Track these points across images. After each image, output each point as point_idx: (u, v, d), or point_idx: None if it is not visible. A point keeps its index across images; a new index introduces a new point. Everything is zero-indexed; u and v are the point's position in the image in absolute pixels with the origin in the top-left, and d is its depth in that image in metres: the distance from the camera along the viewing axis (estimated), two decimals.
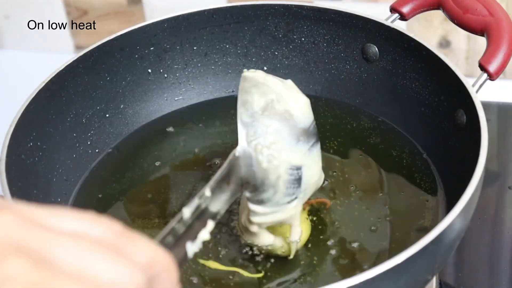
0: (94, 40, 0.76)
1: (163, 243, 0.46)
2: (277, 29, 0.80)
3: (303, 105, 0.60)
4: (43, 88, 0.70)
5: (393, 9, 0.76)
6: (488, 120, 0.76)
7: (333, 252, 0.64)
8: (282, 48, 0.81)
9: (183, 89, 0.82)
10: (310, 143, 0.60)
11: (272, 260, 0.64)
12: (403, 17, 0.75)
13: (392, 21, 0.75)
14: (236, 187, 0.56)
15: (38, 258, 0.32)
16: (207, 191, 0.53)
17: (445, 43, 1.02)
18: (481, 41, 0.71)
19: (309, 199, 0.63)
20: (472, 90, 0.66)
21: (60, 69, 0.73)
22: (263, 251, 0.64)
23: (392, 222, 0.67)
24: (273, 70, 0.81)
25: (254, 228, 0.61)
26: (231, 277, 0.63)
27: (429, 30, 1.01)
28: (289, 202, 0.60)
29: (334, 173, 0.72)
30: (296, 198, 0.60)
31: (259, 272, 0.63)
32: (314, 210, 0.68)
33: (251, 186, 0.58)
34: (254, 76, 0.60)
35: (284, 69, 0.81)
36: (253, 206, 0.59)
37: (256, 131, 0.58)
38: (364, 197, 0.70)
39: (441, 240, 0.54)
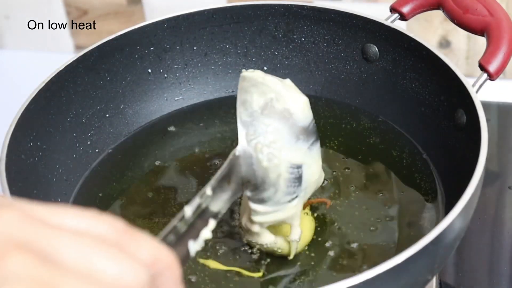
0: (94, 40, 0.76)
1: (165, 241, 0.46)
2: (277, 29, 0.80)
3: (302, 103, 0.60)
4: (43, 88, 0.70)
5: (393, 9, 0.76)
6: (488, 120, 0.76)
7: (332, 252, 0.64)
8: (282, 48, 0.81)
9: (183, 89, 0.82)
10: (309, 141, 0.60)
11: (272, 260, 0.63)
12: (403, 17, 0.75)
13: (392, 21, 0.75)
14: (237, 186, 0.56)
15: (41, 255, 0.32)
16: (208, 190, 0.53)
17: (445, 43, 1.02)
18: (481, 41, 0.71)
19: (309, 198, 0.64)
20: (472, 90, 0.66)
21: (60, 69, 0.73)
22: (263, 251, 0.64)
23: (392, 222, 0.67)
24: (273, 70, 0.81)
25: (255, 228, 0.61)
26: (230, 276, 0.63)
27: (429, 30, 1.01)
28: (290, 201, 0.60)
29: (334, 173, 0.72)
30: (296, 196, 0.60)
31: (259, 271, 0.63)
32: (314, 210, 0.68)
33: (251, 185, 0.58)
34: (253, 76, 0.60)
35: (284, 69, 0.81)
36: (254, 205, 0.59)
37: (256, 130, 0.58)
38: (364, 197, 0.70)
39: (441, 240, 0.54)
